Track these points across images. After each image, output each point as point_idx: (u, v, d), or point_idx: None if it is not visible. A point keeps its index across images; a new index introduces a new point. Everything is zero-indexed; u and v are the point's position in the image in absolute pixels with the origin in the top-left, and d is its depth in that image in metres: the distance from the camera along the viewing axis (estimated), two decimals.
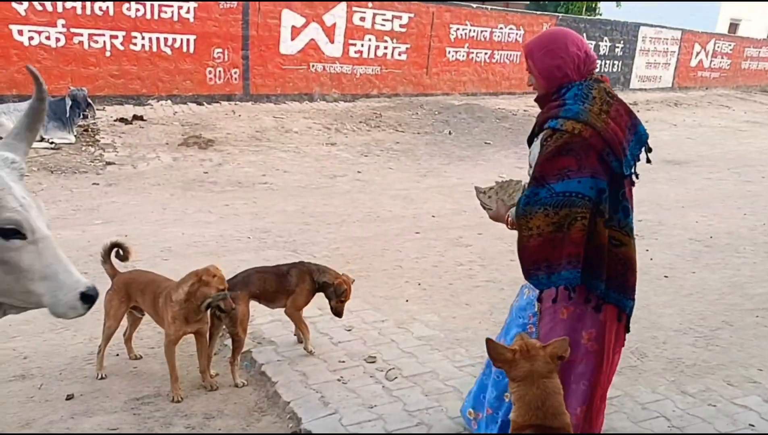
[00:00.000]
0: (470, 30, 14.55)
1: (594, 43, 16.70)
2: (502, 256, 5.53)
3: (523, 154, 10.57)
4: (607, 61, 17.59)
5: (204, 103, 11.19)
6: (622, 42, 17.89)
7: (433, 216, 6.79)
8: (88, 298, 1.97)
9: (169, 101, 10.92)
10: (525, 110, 13.53)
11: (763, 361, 3.80)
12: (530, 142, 2.57)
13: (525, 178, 2.79)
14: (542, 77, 2.39)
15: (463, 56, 14.65)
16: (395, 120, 11.75)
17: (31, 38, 9.58)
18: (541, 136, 2.37)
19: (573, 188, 2.20)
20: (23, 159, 1.99)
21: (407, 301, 4.52)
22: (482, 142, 10.95)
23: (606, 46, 17.41)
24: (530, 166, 2.51)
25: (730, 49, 21.49)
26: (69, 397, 3.20)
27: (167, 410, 3.14)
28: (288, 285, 3.53)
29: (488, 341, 2.19)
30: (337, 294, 3.55)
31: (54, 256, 1.93)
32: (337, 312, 3.61)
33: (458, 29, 14.32)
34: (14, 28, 9.41)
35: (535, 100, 2.49)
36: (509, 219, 2.41)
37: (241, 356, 3.46)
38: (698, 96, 18.99)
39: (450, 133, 11.36)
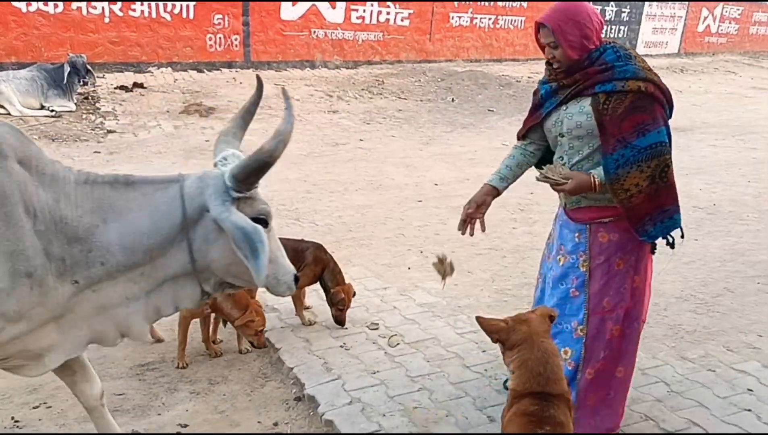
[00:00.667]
0: None
1: (600, 7, 16.41)
2: (504, 224, 5.53)
3: None
4: (613, 27, 17.31)
5: (204, 70, 11.09)
6: (628, 7, 17.59)
7: (436, 184, 6.77)
8: (297, 280, 2.24)
9: (169, 68, 10.81)
10: (529, 77, 13.38)
11: (763, 327, 3.82)
12: (541, 109, 2.60)
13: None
14: (572, 48, 2.44)
15: (467, 22, 14.43)
16: (398, 87, 11.64)
17: (29, 4, 9.46)
18: (586, 101, 2.45)
19: (655, 139, 2.40)
20: None
21: (409, 268, 4.54)
22: (486, 110, 10.86)
23: (612, 11, 17.13)
24: (561, 135, 2.57)
25: (738, 14, 21.12)
26: None
27: (172, 376, 3.19)
28: (301, 262, 3.54)
29: (478, 319, 2.23)
30: (333, 302, 3.56)
31: (277, 243, 2.14)
32: (337, 320, 3.59)
33: None
34: None
35: (559, 72, 2.51)
36: (597, 181, 2.45)
37: None
38: (705, 62, 18.74)
39: (453, 100, 11.27)
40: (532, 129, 2.71)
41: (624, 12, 17.58)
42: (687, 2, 19.00)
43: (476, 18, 14.57)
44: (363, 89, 11.27)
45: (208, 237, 2.00)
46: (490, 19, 14.82)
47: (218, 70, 11.20)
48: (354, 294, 3.67)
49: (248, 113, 2.34)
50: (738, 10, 21.12)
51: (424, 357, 3.34)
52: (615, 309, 2.57)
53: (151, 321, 2.18)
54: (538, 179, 2.59)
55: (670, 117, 2.52)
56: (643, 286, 2.62)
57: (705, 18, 20.01)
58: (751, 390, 3.12)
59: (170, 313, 2.17)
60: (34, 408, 2.90)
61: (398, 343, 3.46)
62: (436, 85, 11.98)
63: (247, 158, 2.03)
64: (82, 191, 1.93)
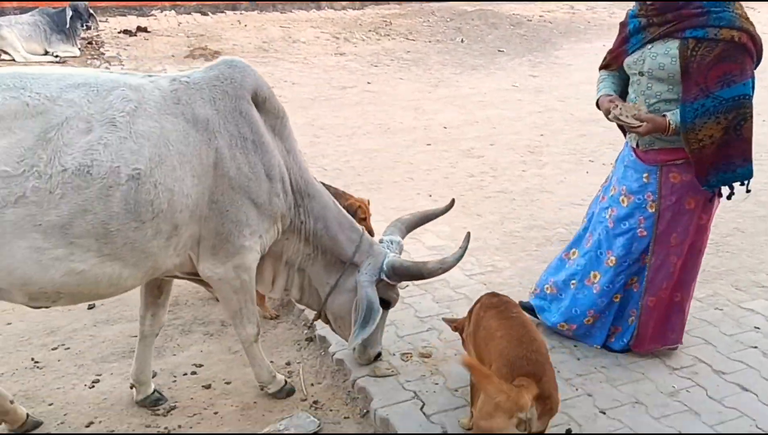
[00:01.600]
0: None
1: None
2: (513, 166, 5.49)
3: (537, 63, 10.29)
4: None
5: (209, 13, 10.88)
6: None
7: (445, 127, 6.70)
8: (378, 356, 2.70)
9: (173, 12, 10.62)
10: (541, 16, 13.03)
11: None
12: (627, 45, 2.57)
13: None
14: None
15: None
16: (406, 28, 11.39)
17: None
18: (673, 43, 2.41)
19: (739, 92, 2.36)
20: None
21: None
22: (496, 50, 10.63)
23: None
24: (641, 74, 2.54)
25: None
26: (91, 307, 3.31)
27: (186, 318, 3.26)
28: None
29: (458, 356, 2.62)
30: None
31: (384, 322, 2.58)
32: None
33: None
34: None
35: (651, 9, 2.47)
36: (672, 126, 2.44)
37: None
38: None
39: (462, 41, 11.02)
40: (614, 60, 2.68)
41: None
42: None
43: None
44: (370, 30, 11.04)
45: (348, 285, 2.53)
46: None
47: (222, 12, 10.99)
48: (368, 201, 3.61)
49: (426, 218, 2.83)
50: None
51: (433, 298, 3.38)
52: (680, 244, 2.66)
53: (266, 282, 2.59)
54: (609, 119, 2.56)
55: (756, 67, 2.46)
56: (708, 223, 2.69)
57: None
58: (758, 328, 3.14)
59: (277, 292, 2.63)
60: (53, 349, 2.98)
61: (407, 285, 3.49)
62: (444, 26, 11.71)
63: (412, 263, 2.54)
64: (303, 163, 2.48)
